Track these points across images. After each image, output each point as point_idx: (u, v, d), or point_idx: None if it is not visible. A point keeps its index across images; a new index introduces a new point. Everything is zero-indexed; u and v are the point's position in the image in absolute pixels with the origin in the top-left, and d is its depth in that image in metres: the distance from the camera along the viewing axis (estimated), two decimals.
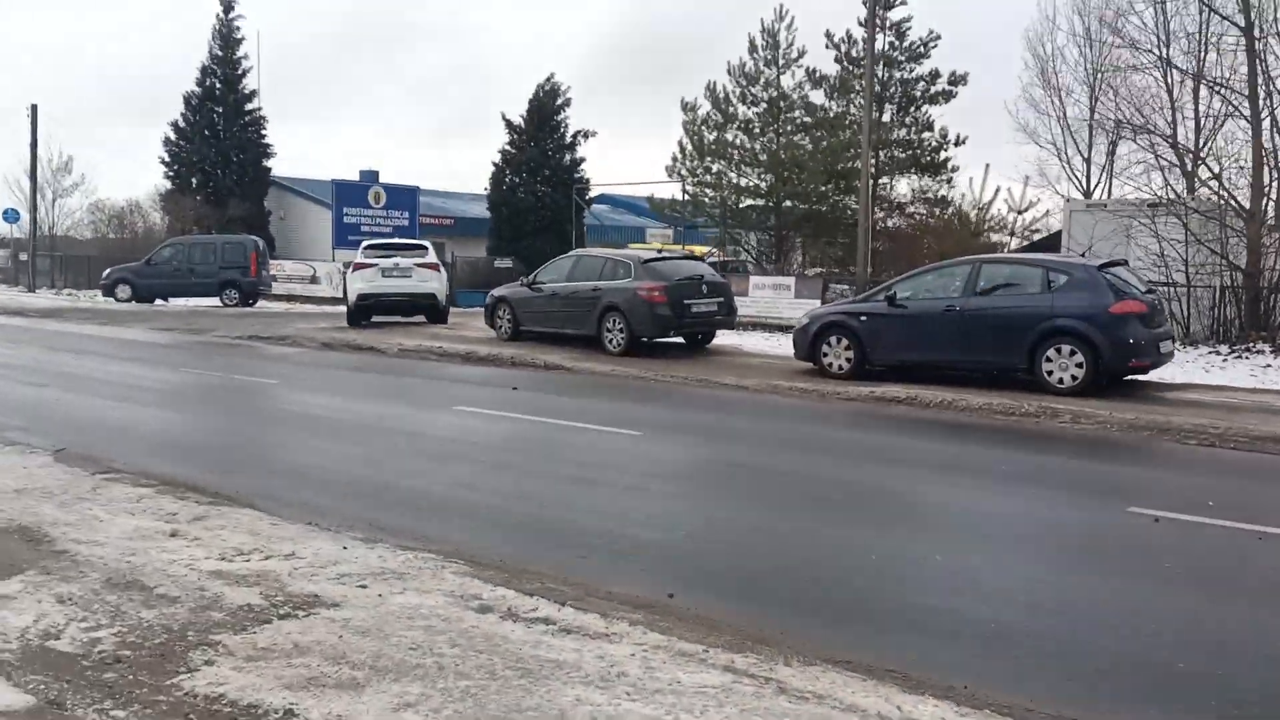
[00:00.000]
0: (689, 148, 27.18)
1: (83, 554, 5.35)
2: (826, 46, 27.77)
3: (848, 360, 13.30)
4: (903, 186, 27.84)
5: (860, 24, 30.19)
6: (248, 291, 31.15)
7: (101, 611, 4.50)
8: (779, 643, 4.38)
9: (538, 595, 4.77)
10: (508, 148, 42.05)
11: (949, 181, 29.07)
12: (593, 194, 43.84)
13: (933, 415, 11.14)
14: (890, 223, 27.29)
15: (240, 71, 44.07)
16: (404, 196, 38.05)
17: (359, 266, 21.35)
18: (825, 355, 13.50)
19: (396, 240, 23.71)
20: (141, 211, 47.54)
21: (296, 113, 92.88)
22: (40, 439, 8.84)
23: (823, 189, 24.93)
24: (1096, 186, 40.33)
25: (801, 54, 26.69)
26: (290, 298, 34.39)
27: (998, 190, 35.65)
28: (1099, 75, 41.82)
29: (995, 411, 11.04)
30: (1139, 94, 37.63)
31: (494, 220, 41.30)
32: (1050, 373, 11.73)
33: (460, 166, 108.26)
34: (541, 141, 41.62)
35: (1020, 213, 26.24)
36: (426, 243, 23.13)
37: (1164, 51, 40.15)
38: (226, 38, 43.94)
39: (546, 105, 42.25)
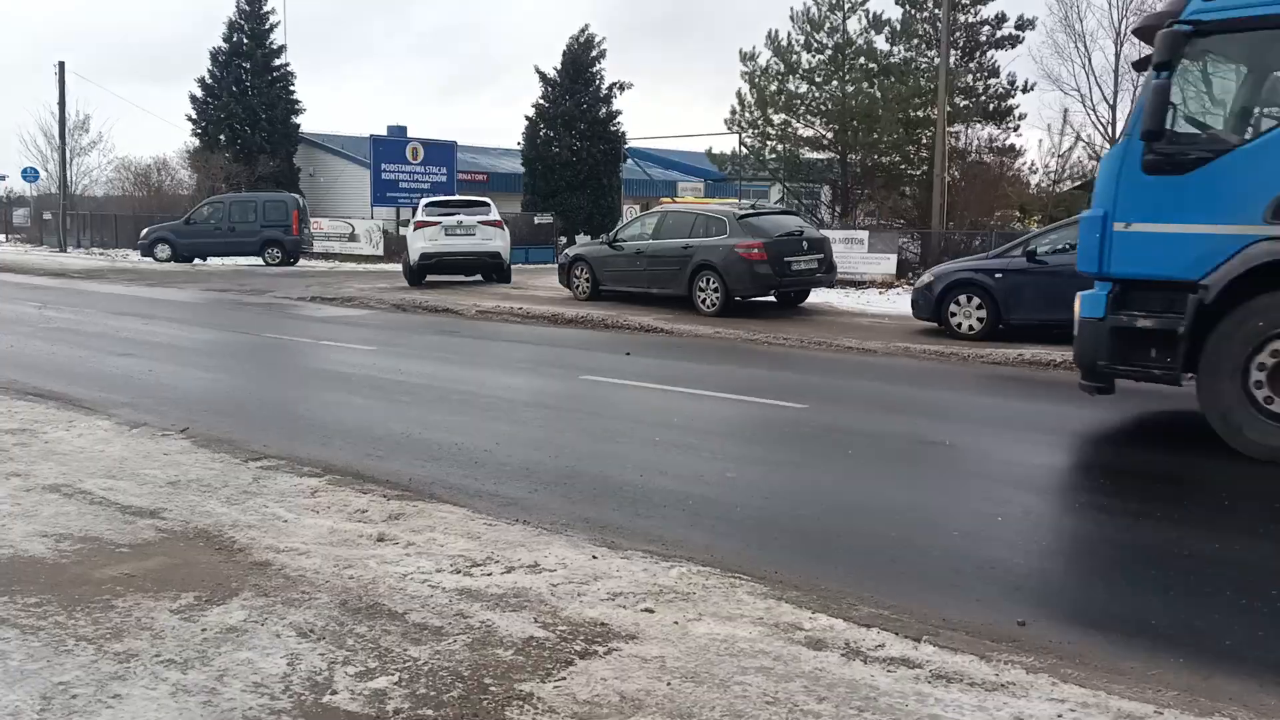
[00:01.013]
0: (749, 99, 26.03)
1: (290, 566, 4.57)
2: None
3: (979, 320, 12.42)
4: (971, 134, 26.68)
5: None
6: (290, 250, 30.34)
7: (360, 649, 3.71)
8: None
9: (875, 626, 3.96)
10: (541, 101, 40.90)
11: (1016, 129, 27.93)
12: (629, 146, 42.84)
13: None
14: (956, 174, 26.19)
15: (267, 26, 42.90)
16: (441, 152, 36.99)
17: (421, 225, 20.48)
18: (953, 315, 12.62)
19: (458, 197, 22.81)
20: (169, 169, 46.59)
21: (311, 68, 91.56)
22: (154, 417, 8.05)
23: (892, 138, 23.80)
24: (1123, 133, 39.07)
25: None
26: (330, 255, 33.56)
27: (1077, 138, 34.55)
28: (1124, 20, 40.78)
29: None
30: None
31: (528, 175, 40.28)
32: None
33: (477, 121, 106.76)
34: (577, 94, 40.49)
35: (1098, 159, 25.07)
36: (488, 200, 22.20)
37: None
38: None
39: (581, 57, 41.03)
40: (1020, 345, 11.77)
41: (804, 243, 15.51)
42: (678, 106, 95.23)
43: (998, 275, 12.24)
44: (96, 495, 5.68)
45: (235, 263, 30.22)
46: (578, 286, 17.78)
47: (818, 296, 17.23)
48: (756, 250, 14.90)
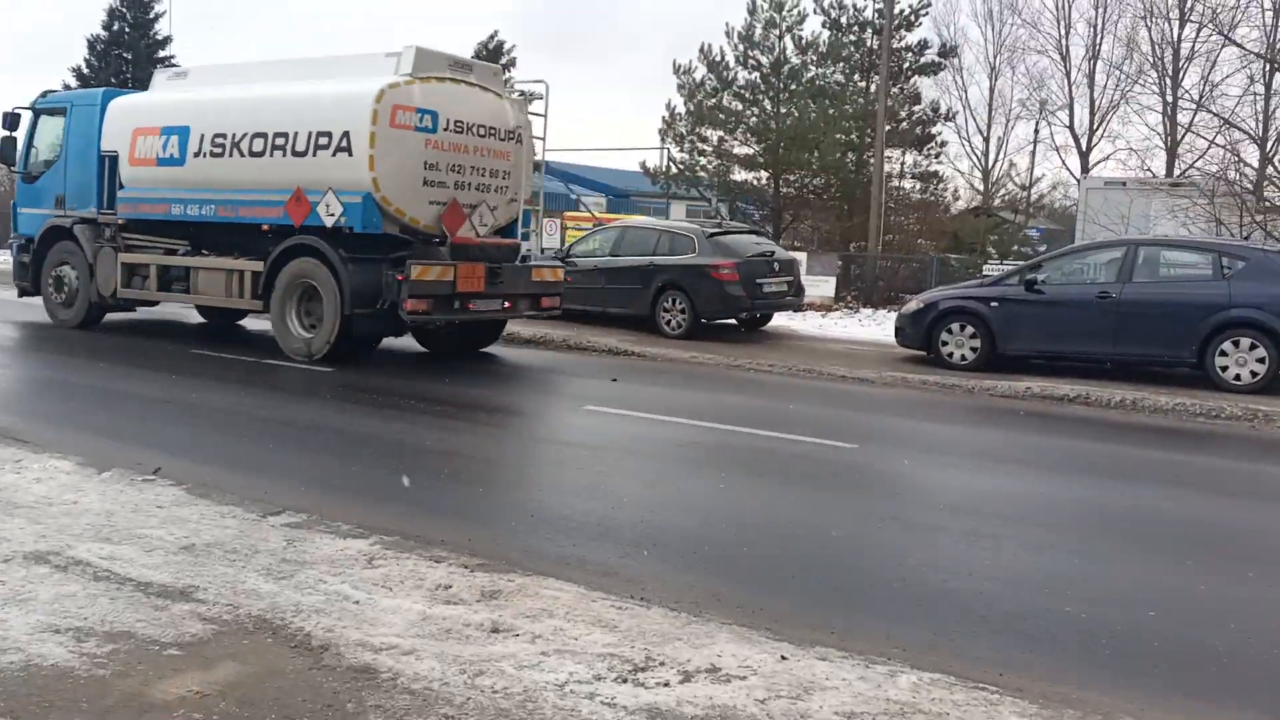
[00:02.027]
0: (681, 111, 25.48)
1: (404, 675, 3.55)
2: (815, 11, 26.39)
3: (973, 350, 11.97)
4: (896, 160, 26.71)
5: None
6: None
7: None
8: None
9: None
10: None
11: (937, 156, 28.15)
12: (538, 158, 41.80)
13: (1124, 417, 9.91)
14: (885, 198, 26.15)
15: (151, 15, 40.41)
16: None
17: None
18: (945, 344, 12.14)
19: None
20: None
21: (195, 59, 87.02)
22: (112, 450, 6.82)
23: (833, 158, 23.54)
24: (995, 164, 40.55)
25: (803, 18, 25.19)
26: None
27: (1012, 164, 35.11)
28: (998, 55, 42.24)
29: (1194, 414, 9.88)
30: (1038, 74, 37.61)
31: None
32: (1225, 368, 10.63)
33: None
34: None
35: (1026, 189, 25.47)
36: None
37: (1062, 34, 40.65)
38: None
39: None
40: (1019, 376, 11.36)
41: (775, 264, 14.88)
42: (576, 119, 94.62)
43: (993, 304, 11.83)
44: (100, 567, 4.51)
45: None
46: None
47: (777, 320, 16.60)
48: (728, 270, 14.20)
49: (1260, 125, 21.30)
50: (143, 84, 39.25)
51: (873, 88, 27.31)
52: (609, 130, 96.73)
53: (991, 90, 41.78)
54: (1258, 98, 22.37)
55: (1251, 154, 20.22)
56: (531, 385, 11.10)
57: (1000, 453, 8.48)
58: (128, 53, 39.81)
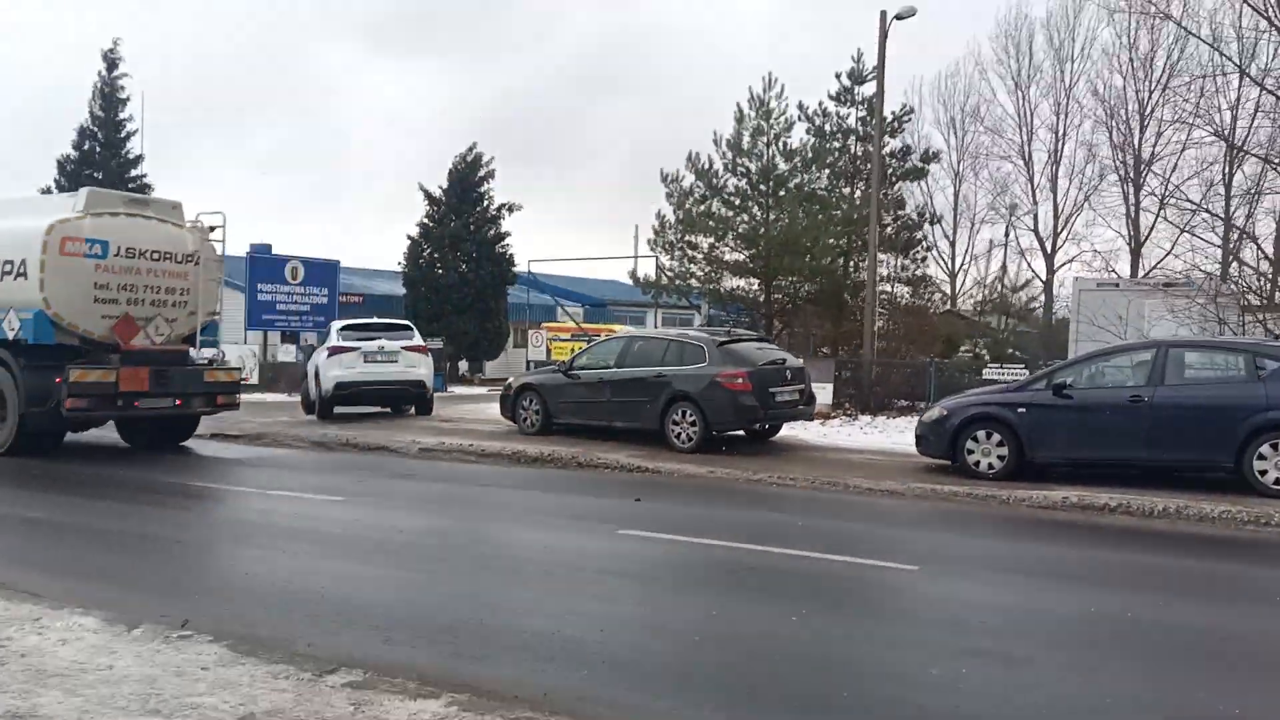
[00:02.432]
0: (670, 219, 25.60)
1: None
2: (799, 119, 26.87)
3: (999, 458, 11.68)
4: (882, 266, 26.90)
5: (831, 98, 29.60)
6: None
7: None
8: None
9: None
10: (426, 221, 39.76)
11: (923, 260, 28.45)
12: (523, 270, 41.85)
13: (1170, 527, 9.60)
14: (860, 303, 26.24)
15: (123, 135, 40.48)
16: (323, 272, 34.96)
17: (336, 350, 18.70)
18: (970, 452, 11.85)
19: (376, 320, 21.13)
20: None
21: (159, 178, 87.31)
22: (133, 603, 6.30)
23: (827, 263, 23.66)
24: (961, 268, 41.24)
25: (790, 125, 25.61)
26: None
27: (1004, 269, 35.45)
28: (962, 162, 43.37)
29: (1242, 521, 9.60)
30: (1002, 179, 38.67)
31: (410, 298, 38.69)
32: (1264, 472, 10.40)
33: (341, 240, 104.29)
34: (464, 215, 39.54)
35: (1017, 290, 25.70)
36: (409, 323, 20.67)
37: (1025, 139, 41.86)
38: (109, 98, 40.32)
39: (468, 177, 40.25)
40: (1051, 485, 11.05)
41: (787, 372, 14.65)
42: (552, 230, 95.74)
43: (1020, 410, 11.60)
44: None
45: None
46: (525, 419, 16.34)
47: (785, 430, 16.23)
48: (741, 380, 13.91)
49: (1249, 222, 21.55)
50: None
51: (858, 194, 27.79)
52: (578, 238, 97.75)
53: (956, 195, 42.76)
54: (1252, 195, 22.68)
55: (1245, 253, 20.35)
56: (554, 508, 10.63)
57: (1065, 569, 8.09)
58: (99, 172, 39.68)
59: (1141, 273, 41.53)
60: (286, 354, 32.41)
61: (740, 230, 24.62)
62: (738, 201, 25.59)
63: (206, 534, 8.85)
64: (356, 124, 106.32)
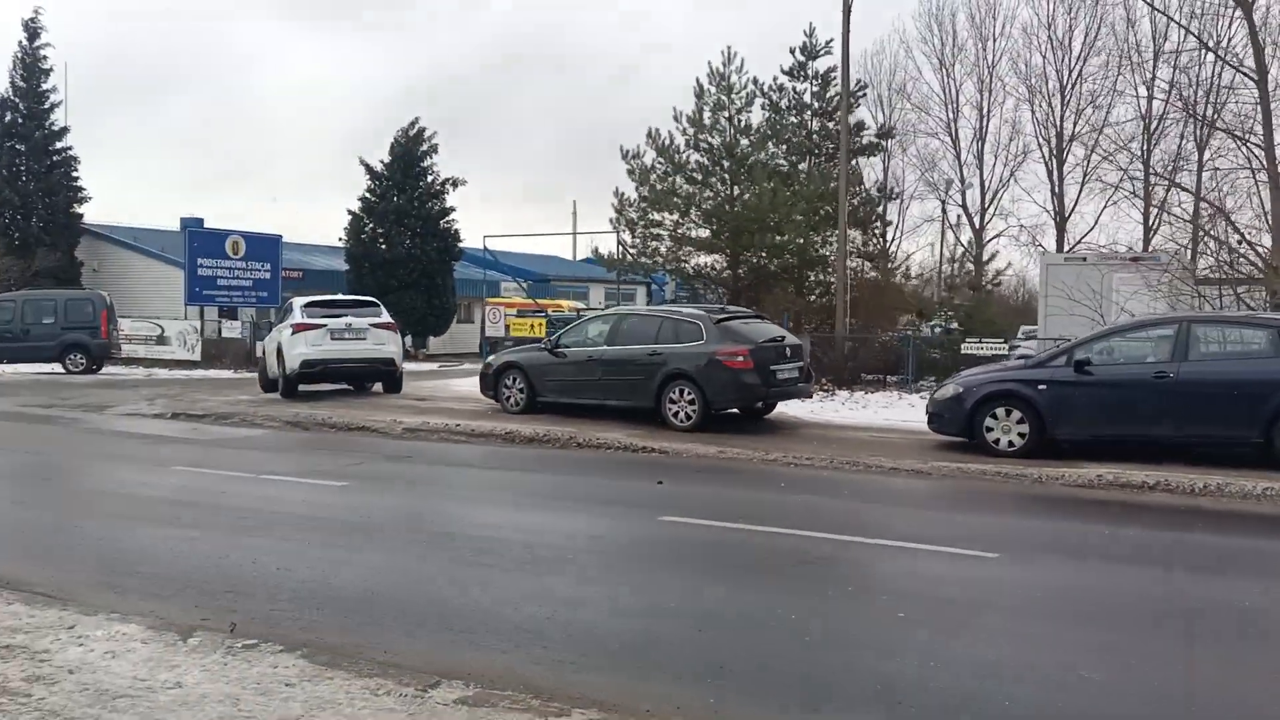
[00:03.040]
0: (632, 196, 25.01)
1: None
2: (755, 95, 26.46)
3: (1020, 436, 11.42)
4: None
5: (784, 72, 29.25)
6: (96, 355, 26.34)
7: None
8: None
9: None
10: (368, 195, 38.61)
11: (881, 235, 28.36)
12: (466, 245, 40.92)
13: (1216, 504, 9.38)
14: (827, 278, 26.01)
15: (47, 105, 38.51)
16: (265, 247, 33.71)
17: (301, 328, 17.77)
18: (989, 430, 11.57)
19: (342, 296, 20.17)
20: None
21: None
22: (174, 608, 5.63)
23: (800, 241, 23.32)
24: (893, 242, 41.77)
25: (751, 99, 25.16)
26: (135, 360, 29.49)
27: (984, 242, 35.32)
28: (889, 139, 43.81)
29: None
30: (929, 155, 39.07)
31: (353, 273, 37.60)
32: None
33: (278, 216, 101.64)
34: (408, 190, 38.47)
35: (984, 263, 25.68)
36: (377, 300, 19.78)
37: (951, 117, 42.43)
38: (30, 68, 38.26)
39: (411, 151, 39.15)
40: (1076, 463, 10.80)
41: (786, 349, 14.23)
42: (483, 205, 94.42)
43: (1041, 386, 11.34)
44: None
45: (28, 371, 25.87)
46: (509, 398, 15.69)
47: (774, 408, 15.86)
48: (742, 358, 13.46)
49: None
50: (42, 178, 37.58)
51: (815, 169, 27.54)
52: (509, 214, 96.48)
53: (886, 171, 43.04)
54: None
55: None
56: (577, 493, 10.08)
57: (1145, 553, 7.80)
58: (21, 144, 37.73)
59: (1067, 246, 42.51)
60: (231, 330, 31.14)
61: (705, 207, 24.11)
62: (700, 178, 25.12)
63: (212, 523, 8.11)
64: (277, 98, 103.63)
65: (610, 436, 13.05)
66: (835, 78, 30.06)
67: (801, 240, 23.32)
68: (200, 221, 46.40)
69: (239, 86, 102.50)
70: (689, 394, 13.77)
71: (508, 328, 29.38)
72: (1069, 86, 40.24)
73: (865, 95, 29.53)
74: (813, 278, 24.63)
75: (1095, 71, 41.21)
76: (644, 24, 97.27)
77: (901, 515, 8.95)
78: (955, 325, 21.97)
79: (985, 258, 30.25)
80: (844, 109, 22.87)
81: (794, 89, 28.76)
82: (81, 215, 38.95)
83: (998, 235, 41.66)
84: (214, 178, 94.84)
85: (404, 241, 37.86)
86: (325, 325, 17.83)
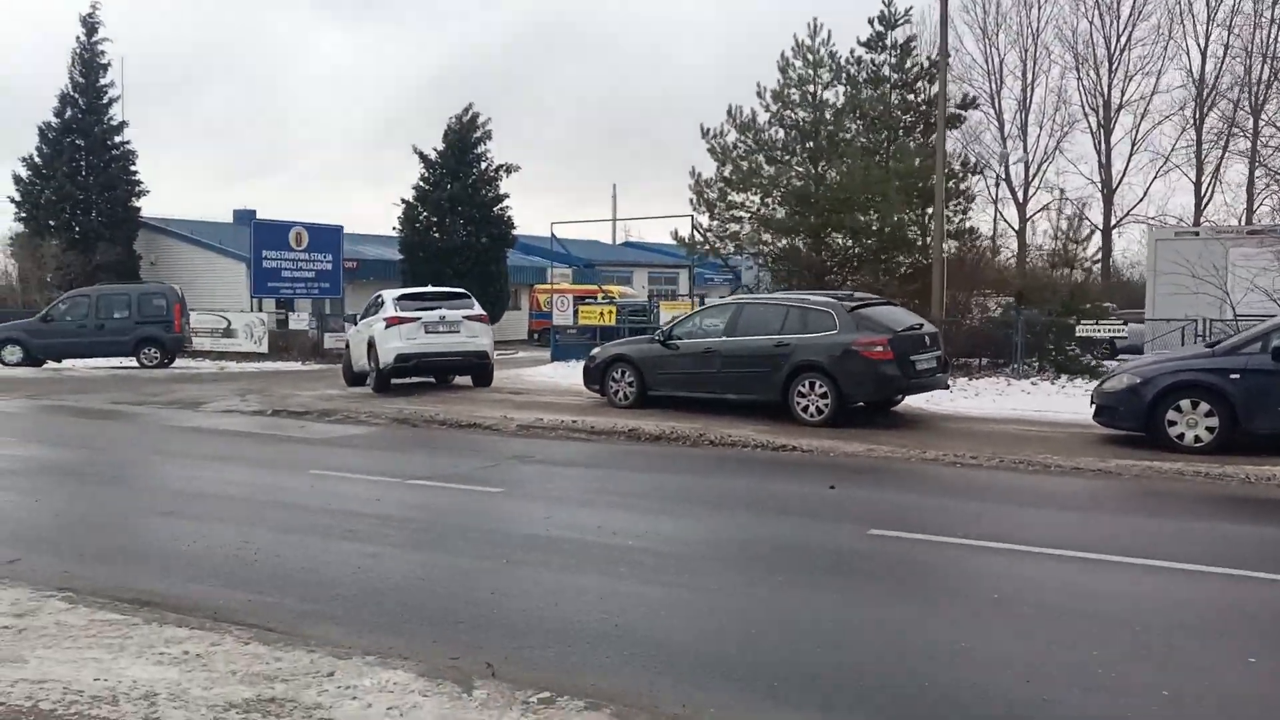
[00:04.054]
0: (709, 177, 24.27)
1: None
2: (829, 70, 25.57)
3: (1209, 430, 10.62)
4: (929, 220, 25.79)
5: (861, 44, 28.36)
6: (171, 349, 26.02)
7: None
8: None
9: None
10: (422, 184, 38.07)
11: (965, 211, 27.46)
12: (519, 232, 40.41)
13: None
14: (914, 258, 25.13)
15: (105, 101, 38.26)
16: (327, 238, 33.17)
17: (395, 321, 17.26)
18: (1172, 424, 10.80)
19: (433, 289, 19.61)
20: None
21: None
22: (341, 630, 5.06)
23: (902, 218, 22.53)
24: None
25: (838, 74, 24.32)
26: (204, 354, 29.17)
27: (1080, 220, 34.35)
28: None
29: None
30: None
31: (408, 263, 37.11)
32: None
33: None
34: (462, 177, 37.90)
35: (1078, 243, 24.79)
36: (467, 291, 19.24)
37: (994, 89, 41.16)
38: (89, 64, 37.96)
39: (465, 138, 38.55)
40: (1274, 460, 10.03)
41: (925, 338, 13.52)
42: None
43: (1234, 376, 10.55)
44: None
45: (104, 365, 25.60)
46: (617, 391, 15.10)
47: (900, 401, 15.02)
48: (881, 348, 12.76)
49: None
50: (101, 172, 37.32)
51: (901, 145, 26.67)
52: (545, 199, 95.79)
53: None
54: None
55: None
56: (744, 498, 9.44)
57: None
58: (82, 139, 37.53)
59: (1114, 219, 41.37)
60: (298, 321, 30.74)
61: (792, 187, 23.32)
62: (785, 157, 24.33)
63: (385, 536, 7.55)
64: (309, 88, 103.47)
65: (740, 433, 12.40)
66: (915, 47, 29.19)
67: (896, 220, 22.45)
68: (253, 213, 46.20)
69: (268, 78, 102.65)
70: (820, 387, 13.09)
71: (577, 315, 28.72)
72: (1117, 53, 38.99)
73: (947, 63, 28.49)
74: (900, 259, 23.75)
75: (1145, 36, 40.15)
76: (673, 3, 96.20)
77: (1122, 526, 8.20)
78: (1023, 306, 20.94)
79: (1081, 236, 29.43)
80: (941, 71, 22.03)
81: (872, 61, 27.83)
82: (139, 209, 38.74)
83: (1042, 209, 40.56)
84: (245, 170, 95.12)
85: (459, 229, 37.34)
86: (419, 318, 17.32)
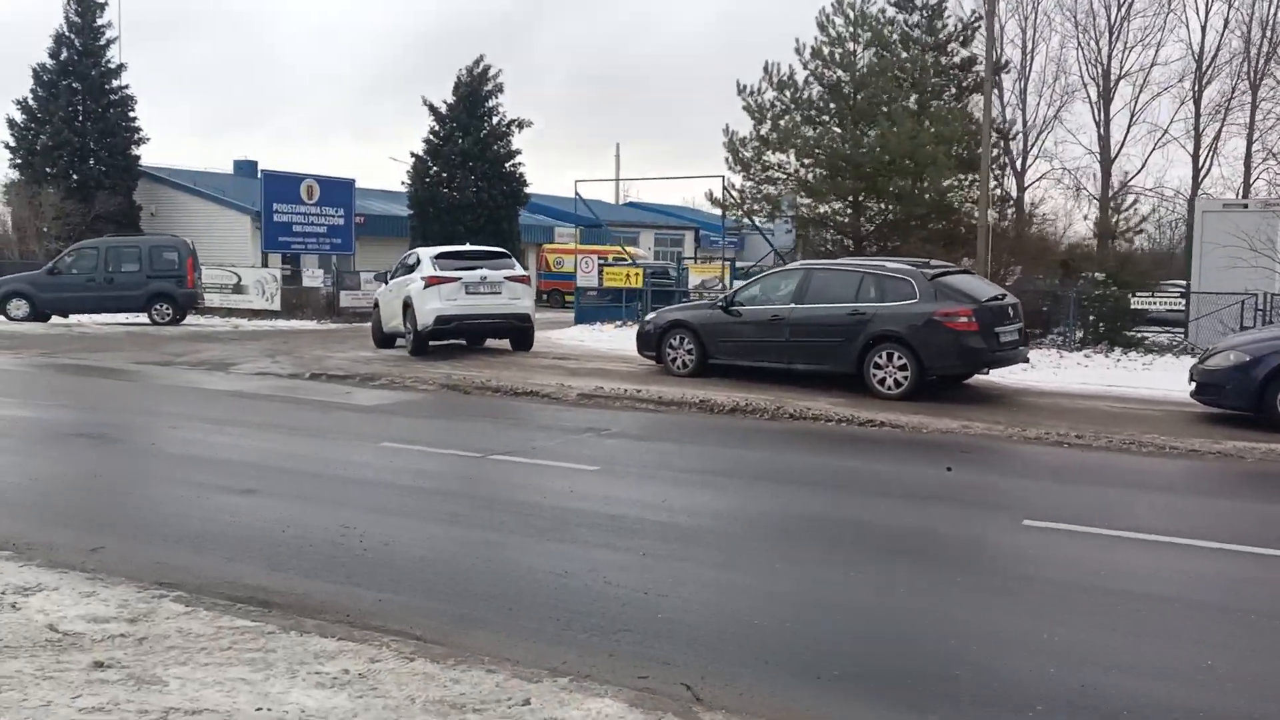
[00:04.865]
0: (747, 136, 23.47)
1: None
2: (856, 31, 24.71)
3: None
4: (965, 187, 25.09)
5: (891, 3, 27.53)
6: (183, 305, 25.17)
7: None
8: None
9: None
10: (432, 138, 36.99)
11: (1000, 179, 26.80)
12: (531, 189, 39.55)
13: None
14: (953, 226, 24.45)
15: (103, 42, 36.97)
16: (339, 191, 32.24)
17: (435, 280, 16.49)
18: None
19: (470, 247, 18.85)
20: None
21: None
22: (552, 640, 4.45)
23: (947, 182, 21.84)
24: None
25: (883, 30, 23.47)
26: (213, 310, 28.35)
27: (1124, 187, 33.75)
28: None
29: None
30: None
31: (417, 219, 36.15)
32: None
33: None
34: (473, 131, 36.84)
35: (1119, 211, 24.25)
36: (507, 250, 18.48)
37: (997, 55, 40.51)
38: (85, 1, 36.56)
39: (476, 91, 37.45)
40: None
41: (1008, 309, 12.89)
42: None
43: None
44: None
45: (114, 322, 24.75)
46: (675, 359, 14.44)
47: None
48: (965, 319, 12.12)
49: None
50: (99, 118, 36.10)
51: (940, 108, 25.88)
52: (538, 156, 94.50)
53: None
54: None
55: None
56: (864, 482, 8.84)
57: None
58: (78, 82, 36.26)
59: (1111, 190, 40.96)
60: (312, 278, 29.88)
61: (835, 148, 22.55)
62: (825, 118, 23.55)
63: (501, 523, 6.91)
64: (291, 39, 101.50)
65: (816, 406, 11.78)
66: (946, 6, 28.38)
67: (944, 184, 21.75)
68: (254, 164, 45.04)
69: (252, 26, 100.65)
70: (899, 358, 12.46)
71: (601, 276, 27.98)
72: (1118, 23, 38.37)
73: (980, 26, 27.69)
74: (941, 226, 23.07)
75: (1145, 8, 39.72)
76: None
77: None
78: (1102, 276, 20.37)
79: (1124, 205, 28.92)
80: (988, 29, 21.22)
81: (904, 21, 27.01)
82: (139, 157, 37.60)
83: (1040, 178, 40.09)
84: (227, 120, 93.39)
85: (470, 185, 36.35)
86: (460, 278, 16.56)
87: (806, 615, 5.22)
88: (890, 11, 27.21)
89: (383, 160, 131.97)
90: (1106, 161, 39.30)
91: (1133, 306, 18.32)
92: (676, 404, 12.32)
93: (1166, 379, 14.23)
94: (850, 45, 23.32)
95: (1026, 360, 13.74)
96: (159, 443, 9.62)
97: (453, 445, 9.77)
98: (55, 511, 7.18)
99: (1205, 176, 38.92)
